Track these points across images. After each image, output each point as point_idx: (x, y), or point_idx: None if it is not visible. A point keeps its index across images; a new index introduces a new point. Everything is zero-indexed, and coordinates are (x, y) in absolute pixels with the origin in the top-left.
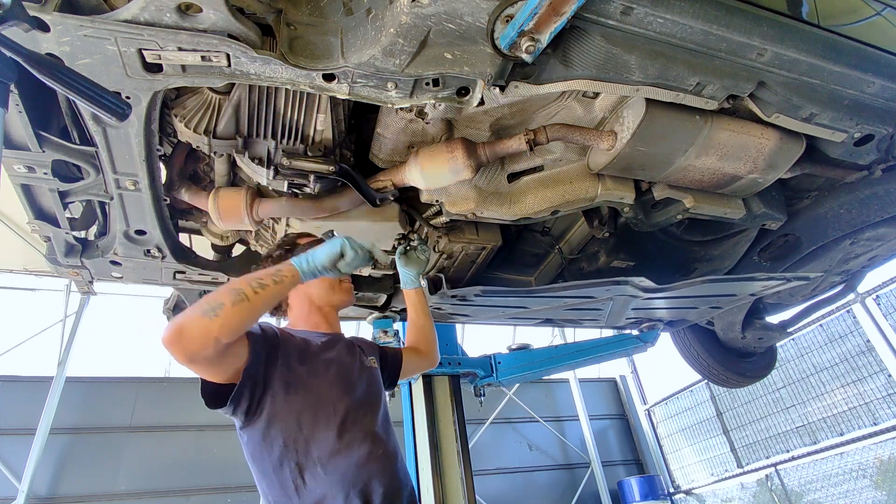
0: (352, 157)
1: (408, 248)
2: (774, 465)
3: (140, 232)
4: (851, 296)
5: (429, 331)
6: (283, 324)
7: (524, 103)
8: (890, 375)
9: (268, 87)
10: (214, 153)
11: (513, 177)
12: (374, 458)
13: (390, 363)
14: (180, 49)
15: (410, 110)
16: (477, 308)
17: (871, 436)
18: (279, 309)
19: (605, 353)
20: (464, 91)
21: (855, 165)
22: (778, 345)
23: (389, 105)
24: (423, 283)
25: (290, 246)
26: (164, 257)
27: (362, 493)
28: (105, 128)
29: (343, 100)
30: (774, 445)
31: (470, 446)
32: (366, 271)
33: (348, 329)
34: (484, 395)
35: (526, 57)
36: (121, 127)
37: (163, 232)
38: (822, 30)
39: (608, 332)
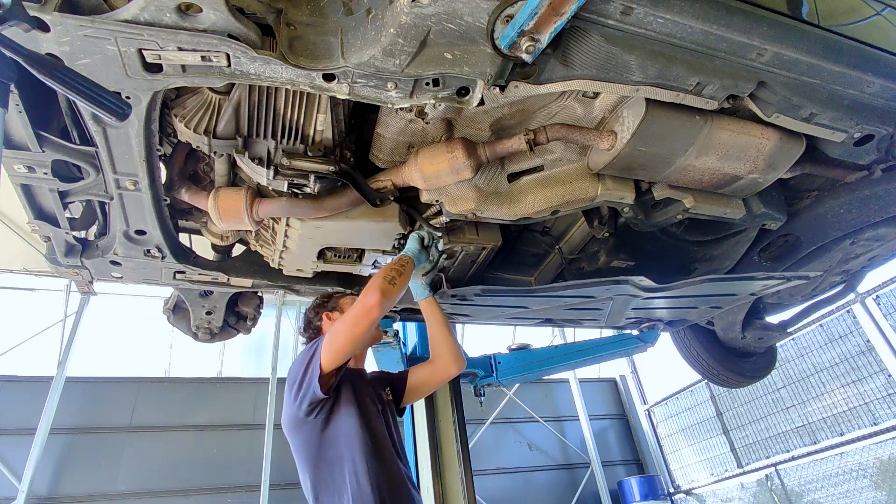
0: (352, 157)
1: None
2: (774, 465)
3: (140, 232)
4: (851, 296)
5: (440, 341)
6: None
7: (524, 103)
8: (890, 375)
9: (268, 87)
10: (214, 153)
11: (513, 177)
12: (396, 480)
13: (395, 391)
14: (180, 49)
15: (410, 110)
16: (477, 308)
17: (871, 436)
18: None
19: (605, 353)
20: (464, 91)
21: (855, 165)
22: (778, 345)
23: (389, 105)
24: (425, 282)
25: (327, 298)
26: (164, 257)
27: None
28: (105, 128)
29: (343, 100)
30: (774, 445)
31: (470, 446)
32: (366, 271)
33: None
34: (484, 395)
35: (526, 57)
36: (121, 127)
37: (163, 232)
38: (822, 30)
39: (608, 332)
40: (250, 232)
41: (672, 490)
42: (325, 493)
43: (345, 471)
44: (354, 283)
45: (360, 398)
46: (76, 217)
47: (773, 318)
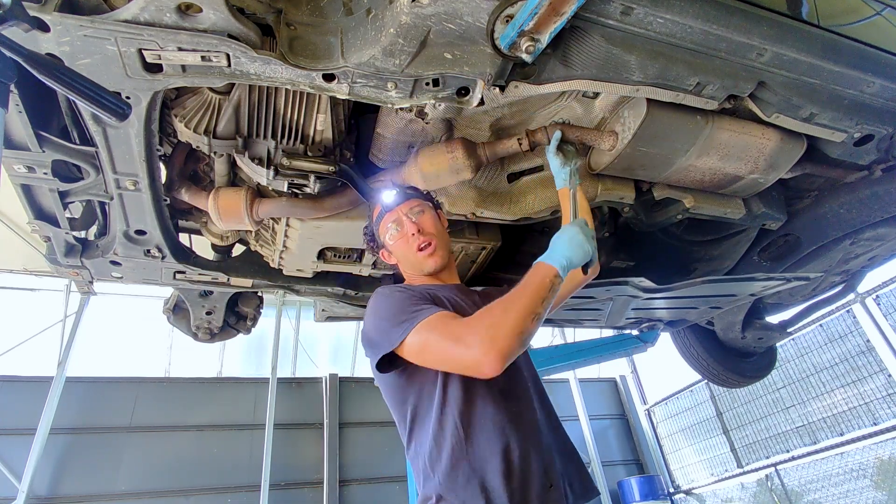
0: (352, 157)
1: (561, 143)
2: (774, 465)
3: (140, 232)
4: (851, 296)
5: None
6: None
7: (524, 103)
8: (890, 375)
9: (268, 87)
10: (214, 153)
11: (513, 177)
12: (511, 418)
13: None
14: (180, 49)
15: (410, 110)
16: None
17: (871, 436)
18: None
19: (605, 353)
20: (464, 91)
21: (855, 165)
22: (778, 345)
23: (389, 105)
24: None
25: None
26: (164, 257)
27: (504, 454)
28: (105, 128)
29: (343, 100)
30: (774, 445)
31: None
32: (366, 271)
33: (346, 330)
34: None
35: (526, 57)
36: (121, 127)
37: (163, 232)
38: (822, 30)
39: (608, 332)
40: (250, 232)
41: (672, 490)
42: (415, 445)
43: (430, 422)
44: (355, 283)
45: None
46: (76, 217)
47: (773, 318)
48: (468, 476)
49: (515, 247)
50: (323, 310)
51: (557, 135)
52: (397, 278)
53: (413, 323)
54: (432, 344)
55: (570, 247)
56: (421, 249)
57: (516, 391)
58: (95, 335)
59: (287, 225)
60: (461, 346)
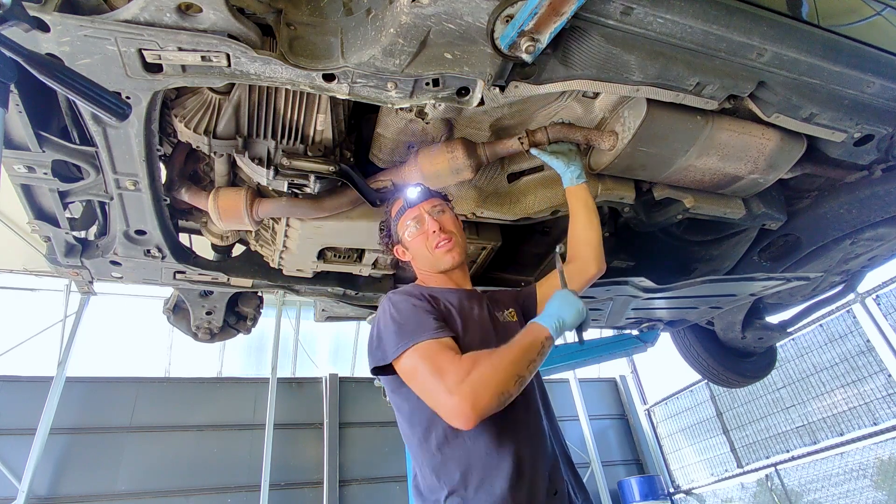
0: (352, 157)
1: (563, 144)
2: (774, 465)
3: (140, 232)
4: (851, 296)
5: (585, 236)
6: None
7: (524, 103)
8: (890, 375)
9: (268, 87)
10: (214, 153)
11: (513, 177)
12: (520, 424)
13: (524, 306)
14: (180, 49)
15: (410, 110)
16: None
17: (871, 436)
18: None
19: (605, 353)
20: (464, 91)
21: (855, 165)
22: (778, 345)
23: (389, 105)
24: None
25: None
26: (164, 257)
27: (514, 459)
28: (105, 128)
29: (343, 100)
30: (774, 445)
31: None
32: (366, 271)
33: (346, 330)
34: None
35: (526, 57)
36: (121, 127)
37: (163, 232)
38: (822, 30)
39: (608, 332)
40: (250, 232)
41: (672, 490)
42: (422, 445)
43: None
44: (354, 285)
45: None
46: (76, 217)
47: (773, 318)
48: (478, 479)
49: (515, 247)
50: (323, 310)
51: (544, 150)
52: (398, 279)
53: (409, 343)
54: (419, 374)
55: (561, 307)
56: (439, 246)
57: (525, 398)
58: (95, 335)
59: (287, 225)
60: (442, 389)
